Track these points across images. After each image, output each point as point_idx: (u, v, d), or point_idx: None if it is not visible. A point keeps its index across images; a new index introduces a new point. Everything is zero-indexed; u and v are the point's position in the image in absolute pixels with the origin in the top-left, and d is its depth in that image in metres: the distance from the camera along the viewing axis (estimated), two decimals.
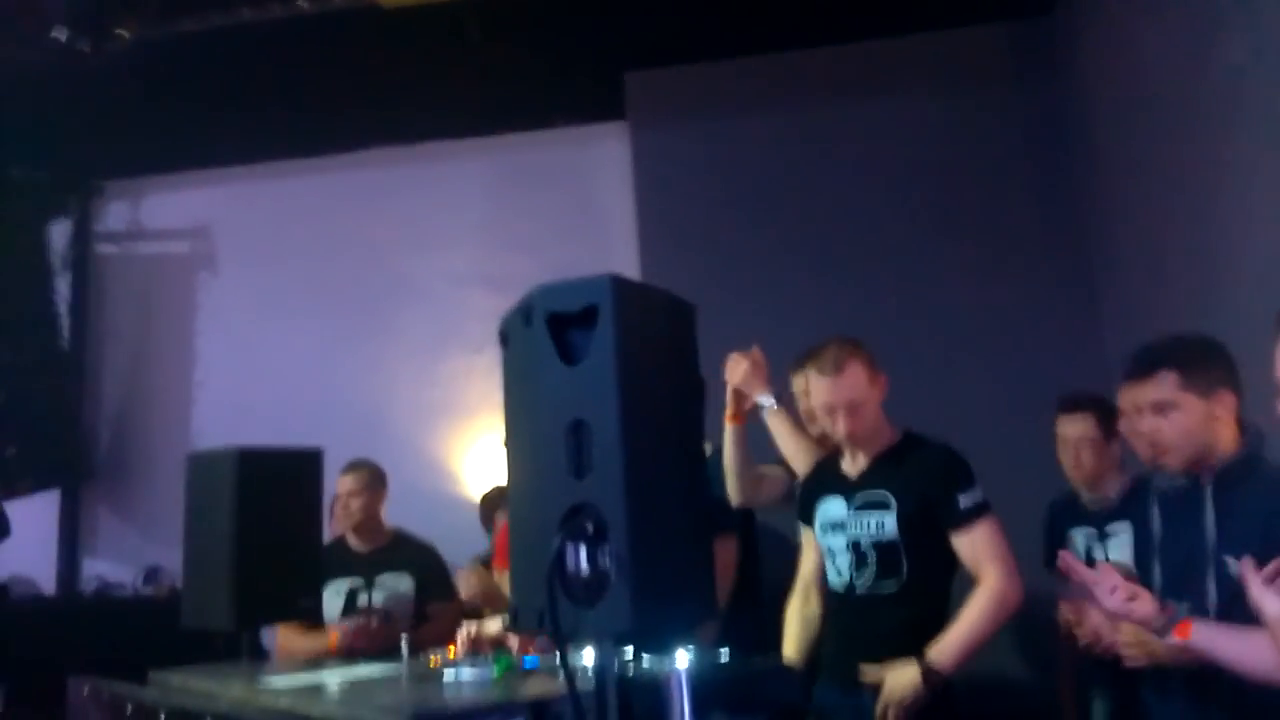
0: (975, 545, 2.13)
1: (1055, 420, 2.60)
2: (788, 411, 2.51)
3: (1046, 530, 2.68)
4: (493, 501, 3.81)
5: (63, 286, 4.94)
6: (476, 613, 2.95)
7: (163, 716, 1.69)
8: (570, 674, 1.40)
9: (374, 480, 3.36)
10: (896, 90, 4.23)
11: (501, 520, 3.43)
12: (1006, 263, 3.92)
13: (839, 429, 2.20)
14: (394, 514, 3.66)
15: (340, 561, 3.19)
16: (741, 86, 4.36)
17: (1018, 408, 3.12)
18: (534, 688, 1.59)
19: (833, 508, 2.28)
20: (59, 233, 5.03)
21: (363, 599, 3.19)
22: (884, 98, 4.23)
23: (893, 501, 2.18)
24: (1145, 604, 1.60)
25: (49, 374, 4.70)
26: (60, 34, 3.22)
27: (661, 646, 1.65)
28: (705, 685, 1.49)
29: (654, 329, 1.51)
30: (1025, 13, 4.14)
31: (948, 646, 2.07)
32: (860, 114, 4.25)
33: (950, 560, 2.17)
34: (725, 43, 4.30)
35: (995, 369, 3.69)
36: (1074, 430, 2.54)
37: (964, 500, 2.14)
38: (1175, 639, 1.56)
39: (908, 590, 2.15)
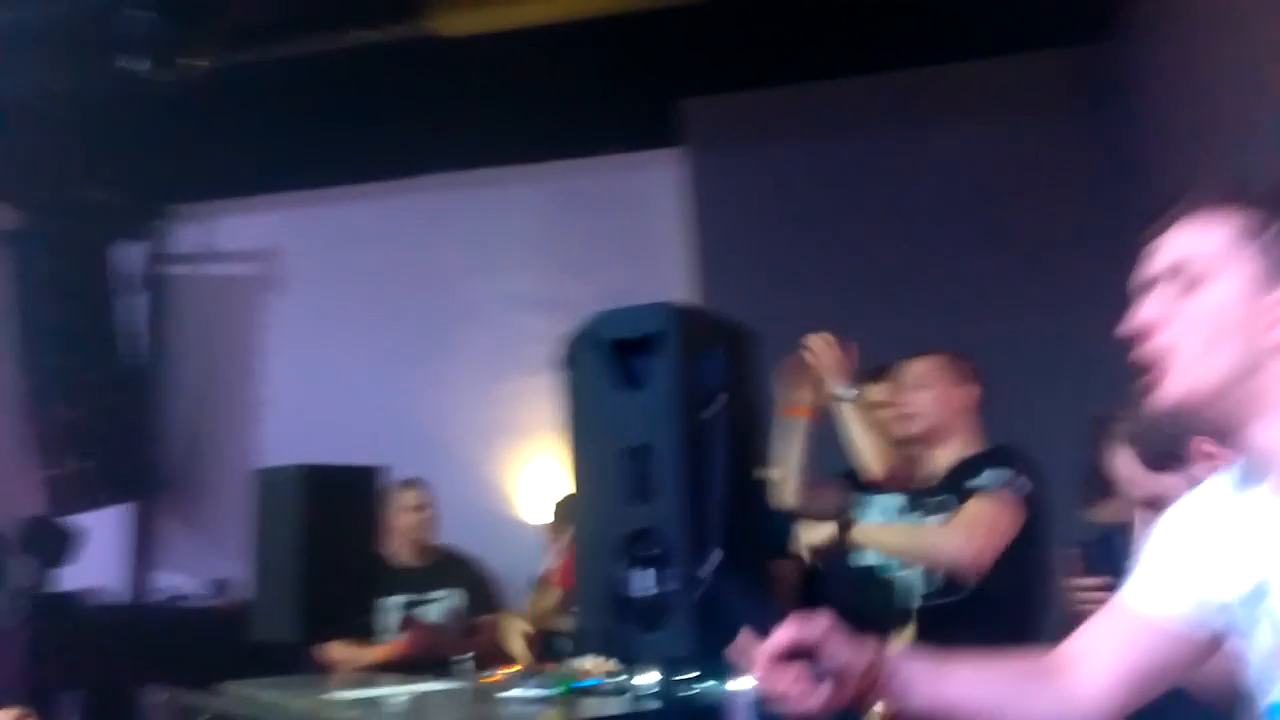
0: (964, 511, 2.04)
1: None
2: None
3: None
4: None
5: (136, 306, 5.11)
6: None
7: None
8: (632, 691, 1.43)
9: (425, 500, 3.45)
10: (957, 116, 4.22)
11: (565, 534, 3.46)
12: (1067, 290, 3.87)
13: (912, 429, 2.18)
14: (449, 533, 3.74)
15: (389, 578, 3.25)
16: (798, 113, 4.39)
17: (1076, 442, 3.08)
18: (596, 707, 1.62)
19: (889, 503, 2.24)
20: (134, 255, 5.21)
21: (415, 614, 3.29)
22: (944, 124, 4.22)
23: (955, 503, 2.09)
24: None
25: (123, 391, 4.86)
26: (140, 64, 3.34)
27: (722, 671, 1.66)
28: (767, 709, 1.50)
29: (714, 353, 1.54)
30: (1087, 39, 4.11)
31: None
32: (920, 140, 4.24)
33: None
34: (780, 69, 4.33)
35: (1055, 400, 3.64)
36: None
37: (987, 476, 2.07)
38: None
39: (977, 601, 2.03)
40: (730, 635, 1.46)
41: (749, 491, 1.56)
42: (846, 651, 0.96)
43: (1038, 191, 4.03)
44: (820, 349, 2.38)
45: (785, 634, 0.95)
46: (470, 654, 2.23)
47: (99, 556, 4.63)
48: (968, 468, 2.16)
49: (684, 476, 1.41)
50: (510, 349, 4.70)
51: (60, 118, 4.41)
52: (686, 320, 1.49)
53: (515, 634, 2.45)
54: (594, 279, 4.27)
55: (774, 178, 4.34)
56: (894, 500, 2.26)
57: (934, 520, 2.14)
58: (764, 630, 0.96)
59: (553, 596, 3.15)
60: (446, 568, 3.44)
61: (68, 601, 4.27)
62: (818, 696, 0.94)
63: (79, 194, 5.04)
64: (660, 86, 4.40)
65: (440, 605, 3.32)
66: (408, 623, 3.21)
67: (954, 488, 2.12)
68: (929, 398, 2.21)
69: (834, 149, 4.32)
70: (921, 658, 1.07)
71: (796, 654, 0.95)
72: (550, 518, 3.93)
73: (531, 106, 4.45)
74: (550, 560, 3.53)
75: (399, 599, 3.23)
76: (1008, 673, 1.07)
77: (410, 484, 3.41)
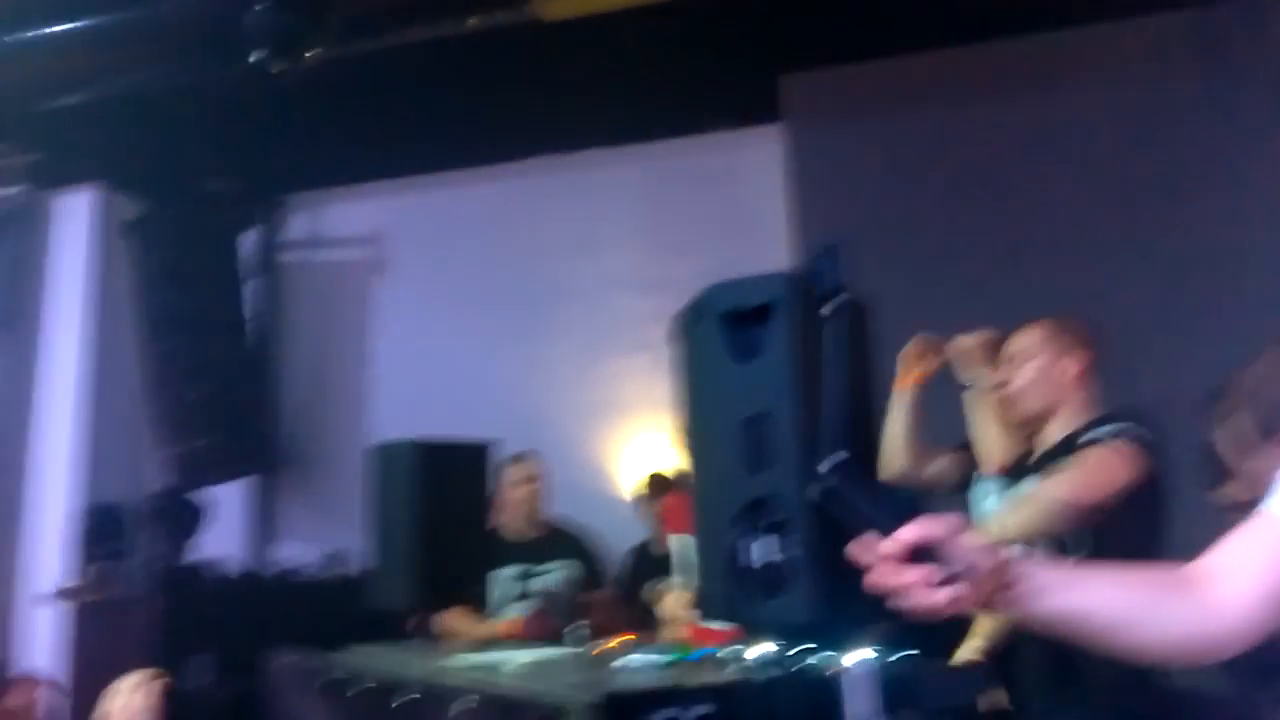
0: (1075, 458, 1.93)
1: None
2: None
3: None
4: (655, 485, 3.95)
5: (254, 291, 5.33)
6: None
7: (356, 687, 1.82)
8: (753, 663, 1.43)
9: (538, 471, 3.51)
10: (1066, 82, 4.06)
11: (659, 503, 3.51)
12: (1184, 255, 3.71)
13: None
14: (553, 508, 3.82)
15: (502, 550, 3.34)
16: (901, 84, 4.29)
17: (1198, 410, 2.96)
18: (712, 674, 1.63)
19: (988, 500, 2.19)
20: (248, 242, 5.43)
21: (525, 586, 3.36)
22: (1053, 90, 4.08)
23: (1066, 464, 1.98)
24: None
25: (242, 372, 5.07)
26: (257, 56, 3.47)
27: (838, 642, 1.66)
28: (884, 682, 1.49)
29: (828, 323, 1.52)
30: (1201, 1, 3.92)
31: None
32: (1027, 108, 4.10)
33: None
34: (881, 41, 4.24)
35: (1177, 369, 3.50)
36: None
37: (1100, 430, 1.96)
38: None
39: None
40: (848, 606, 1.46)
41: (865, 460, 1.55)
42: (974, 552, 0.92)
43: (1152, 154, 3.86)
44: (961, 341, 2.38)
45: (912, 531, 0.91)
46: (584, 622, 2.26)
47: (224, 529, 4.88)
48: (1079, 434, 2.06)
49: (800, 445, 1.41)
50: (611, 328, 4.76)
51: (179, 111, 4.62)
52: (800, 290, 1.48)
53: (679, 603, 2.49)
54: (695, 258, 4.26)
55: (876, 151, 4.26)
56: (1002, 481, 2.20)
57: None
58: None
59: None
60: (559, 540, 3.52)
61: (196, 571, 4.50)
62: (943, 595, 0.90)
63: (197, 184, 5.28)
64: (759, 62, 4.36)
65: (553, 576, 3.40)
66: (514, 596, 3.31)
67: (1066, 451, 2.02)
68: (1035, 369, 2.13)
69: (935, 121, 4.21)
70: (1052, 565, 1.02)
71: (921, 554, 0.90)
72: (643, 491, 4.00)
73: (632, 87, 4.46)
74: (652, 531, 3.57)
75: (513, 570, 3.32)
76: (1144, 584, 1.01)
77: (522, 457, 3.49)
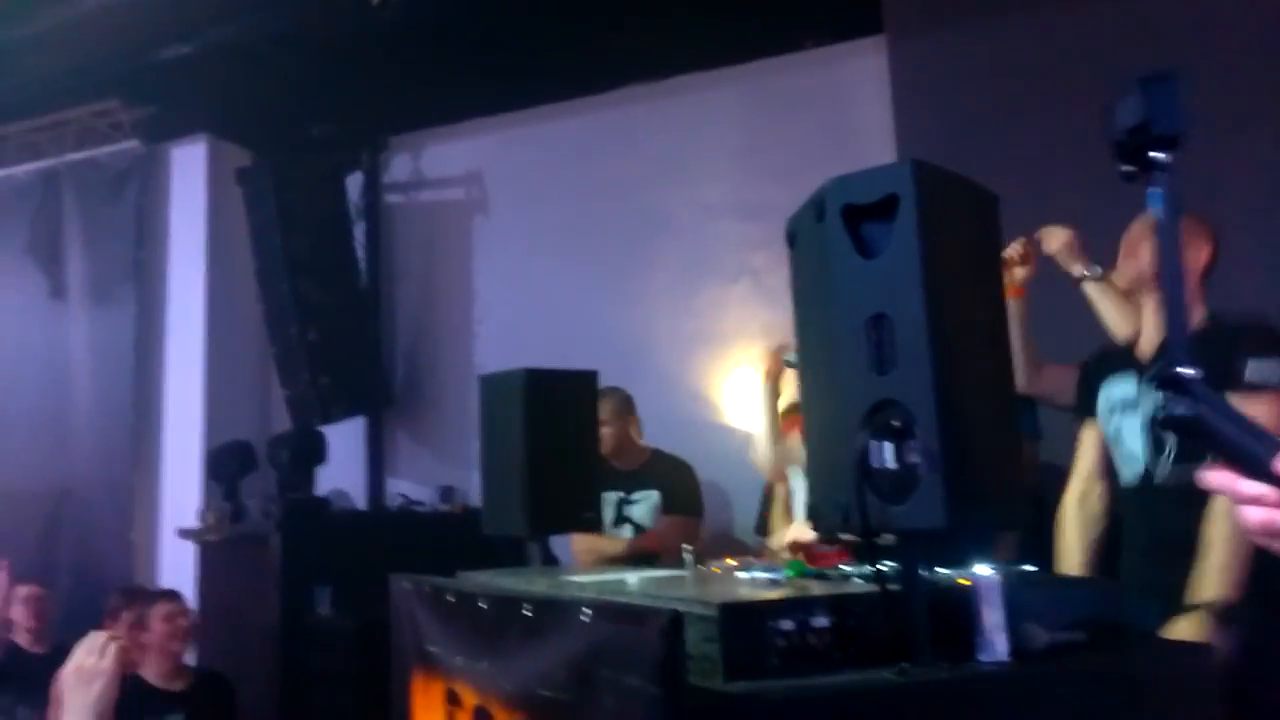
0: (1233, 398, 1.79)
1: None
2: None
3: None
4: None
5: (359, 234, 5.43)
6: None
7: (482, 602, 1.84)
8: (879, 571, 1.38)
9: (621, 408, 3.65)
10: None
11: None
12: None
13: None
14: (655, 440, 3.83)
15: (603, 478, 3.43)
16: None
17: None
18: (831, 587, 1.59)
19: (1122, 385, 2.08)
20: (353, 185, 5.53)
21: (624, 511, 3.54)
22: None
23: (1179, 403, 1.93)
24: None
25: (352, 313, 5.20)
26: None
27: (963, 557, 1.59)
28: (1017, 596, 1.42)
29: (957, 217, 1.44)
30: None
31: (1207, 576, 1.79)
32: (1138, 7, 3.80)
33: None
34: None
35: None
36: None
37: (1251, 368, 1.86)
38: None
39: None
40: (981, 509, 1.39)
41: (996, 360, 1.46)
42: None
43: (1272, 62, 3.54)
44: (1050, 236, 2.41)
45: None
46: (690, 547, 2.26)
47: (341, 466, 5.05)
48: (1210, 343, 1.94)
49: (928, 344, 1.33)
50: (709, 257, 4.69)
51: (282, 59, 4.70)
52: (927, 180, 1.39)
53: (797, 534, 2.49)
54: (794, 181, 4.10)
55: (980, 55, 4.00)
56: (1131, 382, 2.09)
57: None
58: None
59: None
60: (652, 468, 3.67)
61: (318, 506, 4.68)
62: None
63: (303, 131, 5.38)
64: None
65: (643, 505, 3.59)
66: (615, 520, 3.49)
67: (1217, 361, 1.90)
68: (1152, 250, 2.04)
69: (1044, 19, 3.93)
70: None
71: None
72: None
73: (725, 6, 4.33)
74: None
75: (611, 496, 3.46)
76: None
77: (603, 395, 3.55)
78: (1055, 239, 2.43)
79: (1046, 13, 3.95)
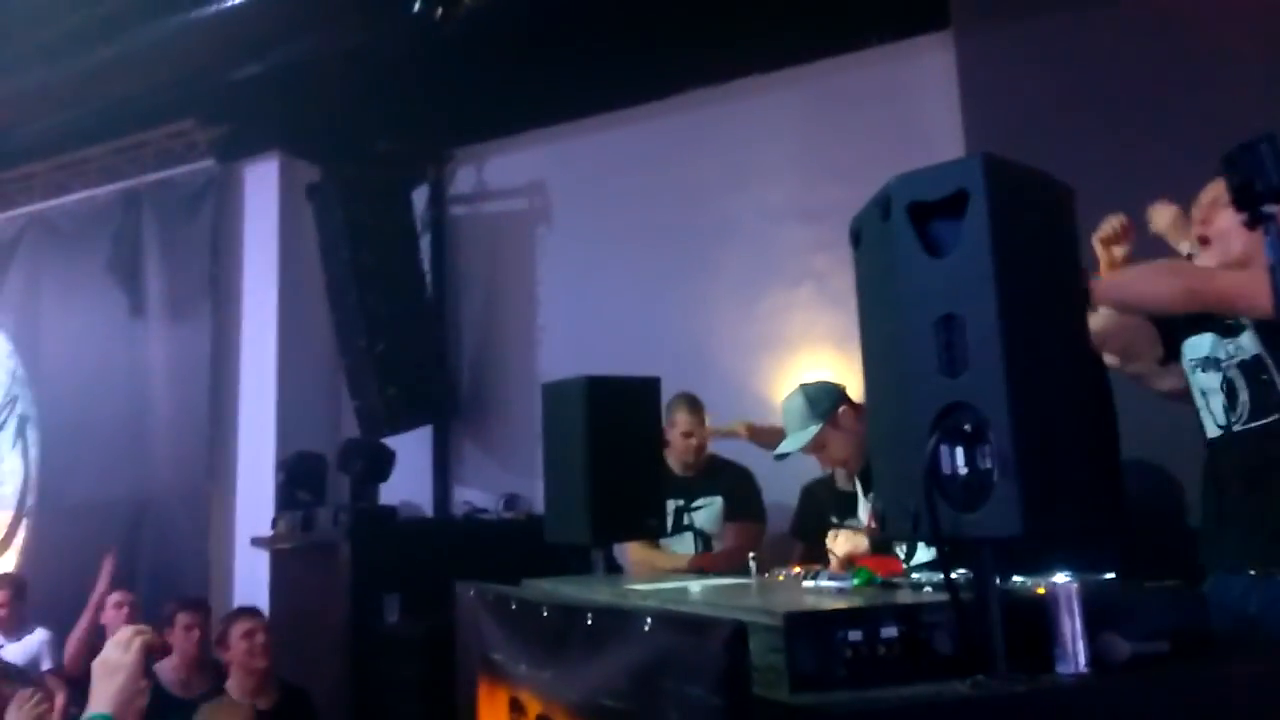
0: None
1: None
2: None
3: None
4: None
5: (424, 246, 5.50)
6: None
7: (546, 610, 1.83)
8: (952, 580, 1.33)
9: (701, 415, 3.70)
10: None
11: None
12: None
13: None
14: (718, 445, 3.81)
15: (666, 483, 3.42)
16: None
17: None
18: (901, 596, 1.54)
19: (1202, 341, 2.02)
20: (418, 198, 5.60)
21: (685, 519, 3.49)
22: None
23: (1248, 321, 1.88)
24: None
25: (418, 324, 5.27)
26: (417, 5, 3.52)
27: (1038, 561, 1.53)
28: (1096, 604, 1.36)
29: (1030, 212, 1.38)
30: None
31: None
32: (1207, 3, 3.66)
33: None
34: None
35: None
36: None
37: None
38: None
39: None
40: (1061, 515, 1.33)
41: (1075, 360, 1.40)
42: None
43: None
44: (1158, 213, 2.42)
45: None
46: (753, 554, 2.23)
47: (409, 475, 5.10)
48: None
49: (1002, 345, 1.28)
50: (772, 262, 4.64)
51: (348, 76, 4.79)
52: (998, 175, 1.34)
53: (852, 544, 2.45)
54: (856, 182, 4.02)
55: (1051, 50, 3.88)
56: (1210, 340, 2.03)
57: (1232, 341, 1.94)
58: None
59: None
60: (714, 475, 3.68)
61: (386, 515, 4.73)
62: None
63: (369, 145, 5.48)
64: None
65: (706, 511, 3.59)
66: (676, 528, 3.51)
67: None
68: (1232, 215, 1.94)
69: (1116, 13, 3.80)
70: None
71: None
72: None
73: (786, 6, 4.28)
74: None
75: (672, 504, 3.49)
76: None
77: (694, 404, 3.61)
78: (1163, 216, 2.41)
79: (1115, 3, 3.82)
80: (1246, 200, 1.34)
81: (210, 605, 4.36)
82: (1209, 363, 2.03)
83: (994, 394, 1.28)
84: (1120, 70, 3.76)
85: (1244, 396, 1.92)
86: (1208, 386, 2.02)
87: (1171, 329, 2.14)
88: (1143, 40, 3.75)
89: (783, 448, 2.81)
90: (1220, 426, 1.99)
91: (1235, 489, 1.98)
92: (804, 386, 2.85)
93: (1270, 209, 1.27)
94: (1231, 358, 1.96)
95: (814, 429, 2.65)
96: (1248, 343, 1.91)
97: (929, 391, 1.33)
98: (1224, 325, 1.99)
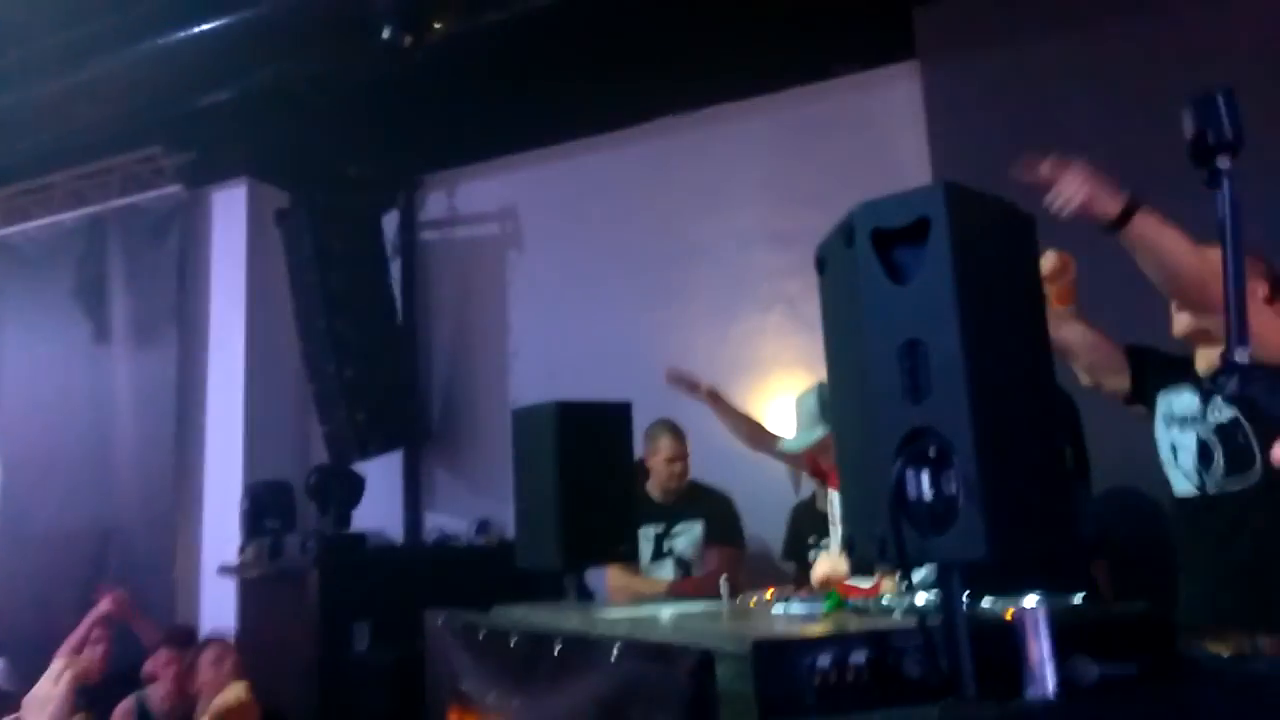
0: None
1: None
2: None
3: None
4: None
5: (395, 272, 5.48)
6: None
7: (514, 639, 1.81)
8: (919, 606, 1.34)
9: (683, 452, 3.73)
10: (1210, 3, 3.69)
11: None
12: None
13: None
14: (692, 470, 3.81)
15: (643, 509, 3.42)
16: (1046, 8, 4.00)
17: None
18: (870, 621, 1.54)
19: (1180, 398, 2.02)
20: (388, 224, 5.59)
21: (661, 545, 3.49)
22: (1200, 9, 3.71)
23: (1233, 380, 1.90)
24: None
25: (388, 349, 5.24)
26: (386, 32, 3.52)
27: (1005, 585, 1.54)
28: (1064, 628, 1.37)
29: (991, 239, 1.40)
30: None
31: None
32: (1173, 29, 3.75)
33: None
34: None
35: None
36: None
37: None
38: None
39: (1268, 486, 1.80)
40: (1024, 540, 1.34)
41: (1036, 386, 1.41)
42: None
43: None
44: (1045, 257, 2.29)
45: None
46: (725, 576, 2.23)
47: (378, 502, 5.06)
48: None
49: (965, 370, 1.29)
50: (743, 286, 4.67)
51: (317, 102, 4.77)
52: (959, 202, 1.36)
53: (834, 566, 2.44)
54: (826, 208, 4.06)
55: (1014, 82, 3.96)
56: (1191, 396, 2.04)
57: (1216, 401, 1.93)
58: None
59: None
60: (694, 501, 3.68)
61: (352, 542, 4.68)
62: None
63: (339, 171, 5.46)
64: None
65: (685, 537, 3.51)
66: (655, 554, 3.46)
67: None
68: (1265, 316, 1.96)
69: (1078, 45, 3.89)
70: None
71: None
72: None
73: (754, 37, 4.33)
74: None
75: (651, 529, 3.43)
76: None
77: (675, 431, 3.61)
78: (1047, 261, 2.33)
79: (1080, 35, 3.90)
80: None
81: (196, 635, 4.29)
82: (1186, 421, 2.03)
83: (957, 418, 1.29)
84: (1083, 100, 3.84)
85: (1218, 458, 1.92)
86: (1180, 443, 2.03)
87: (1145, 370, 2.14)
88: (1105, 71, 3.84)
89: (789, 444, 2.80)
90: (1196, 487, 1.99)
91: (1205, 550, 1.98)
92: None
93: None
94: (1209, 418, 1.96)
95: (822, 431, 2.64)
96: (1226, 405, 1.92)
97: (893, 417, 1.34)
98: (1203, 385, 2.00)
